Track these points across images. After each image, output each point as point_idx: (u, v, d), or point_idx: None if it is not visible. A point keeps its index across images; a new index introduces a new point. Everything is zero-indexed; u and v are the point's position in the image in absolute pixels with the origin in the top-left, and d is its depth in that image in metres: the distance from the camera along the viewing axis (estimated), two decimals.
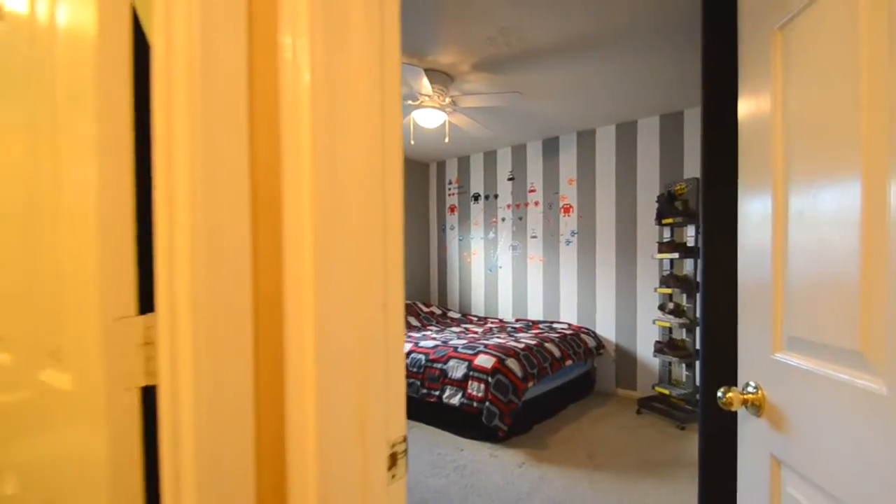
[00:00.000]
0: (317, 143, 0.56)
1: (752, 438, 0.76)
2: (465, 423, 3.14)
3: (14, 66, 0.74)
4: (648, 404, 3.52)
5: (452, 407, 3.14)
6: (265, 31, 0.59)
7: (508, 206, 4.80)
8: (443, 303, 5.47)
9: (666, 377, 3.58)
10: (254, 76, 0.60)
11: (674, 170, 3.70)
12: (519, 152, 4.71)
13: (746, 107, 0.87)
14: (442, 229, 5.48)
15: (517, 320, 4.61)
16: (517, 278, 4.76)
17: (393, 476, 0.63)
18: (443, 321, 4.76)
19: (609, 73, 2.92)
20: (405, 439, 0.65)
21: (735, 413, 0.77)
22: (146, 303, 0.58)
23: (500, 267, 4.90)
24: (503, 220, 4.85)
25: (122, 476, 0.57)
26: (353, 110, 0.60)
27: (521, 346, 3.38)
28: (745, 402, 0.72)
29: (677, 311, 3.41)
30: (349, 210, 0.59)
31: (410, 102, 3.09)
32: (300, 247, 0.57)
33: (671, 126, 3.72)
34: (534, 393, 3.30)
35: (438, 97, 2.95)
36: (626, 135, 3.97)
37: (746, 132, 0.87)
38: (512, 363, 3.11)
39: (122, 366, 0.57)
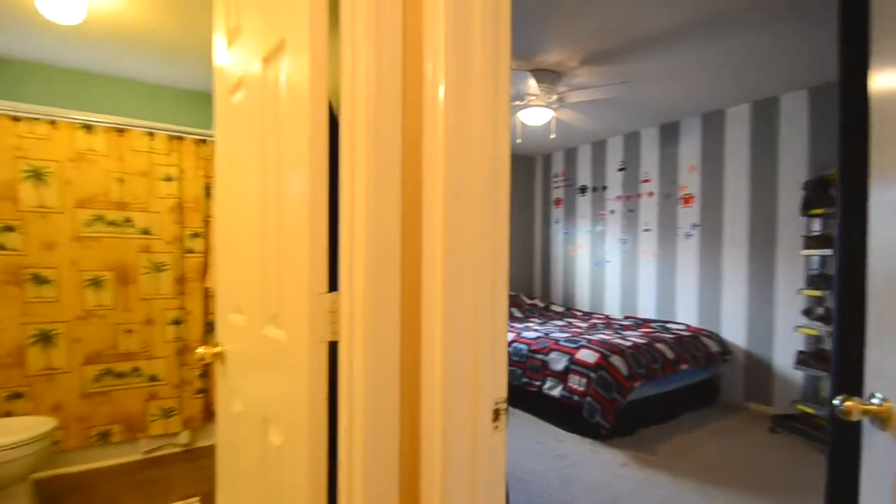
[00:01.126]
0: (448, 145, 0.72)
1: (873, 454, 0.72)
2: (565, 415, 3.16)
3: (251, 116, 1.04)
4: (786, 423, 3.08)
5: (552, 398, 3.18)
6: (414, 61, 0.76)
7: (618, 197, 4.60)
8: (546, 296, 5.46)
9: (811, 394, 3.07)
10: (405, 100, 0.77)
11: (827, 152, 3.14)
12: (631, 141, 4.47)
13: (883, 79, 0.76)
14: (546, 223, 5.44)
15: (626, 317, 4.43)
16: (627, 274, 4.55)
17: (496, 427, 0.79)
18: (545, 314, 4.77)
19: (737, 50, 2.63)
20: (506, 400, 0.81)
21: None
22: (332, 284, 0.82)
23: (608, 261, 4.72)
24: (612, 212, 4.66)
25: (315, 400, 0.81)
26: (473, 118, 0.75)
27: (629, 343, 3.27)
28: (866, 413, 0.69)
29: (827, 318, 2.91)
30: (468, 204, 0.76)
31: (517, 103, 3.14)
32: (433, 239, 0.75)
33: (822, 101, 3.17)
34: (641, 394, 3.18)
35: (545, 95, 2.96)
36: (765, 113, 3.50)
37: (881, 108, 0.76)
38: (617, 361, 3.04)
39: (318, 326, 0.80)
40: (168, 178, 2.64)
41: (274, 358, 0.95)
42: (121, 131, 2.53)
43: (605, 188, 4.74)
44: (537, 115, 3.12)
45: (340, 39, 0.78)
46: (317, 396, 0.82)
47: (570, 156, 5.11)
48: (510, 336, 3.64)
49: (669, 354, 3.31)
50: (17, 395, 2.33)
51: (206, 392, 2.79)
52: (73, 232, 2.42)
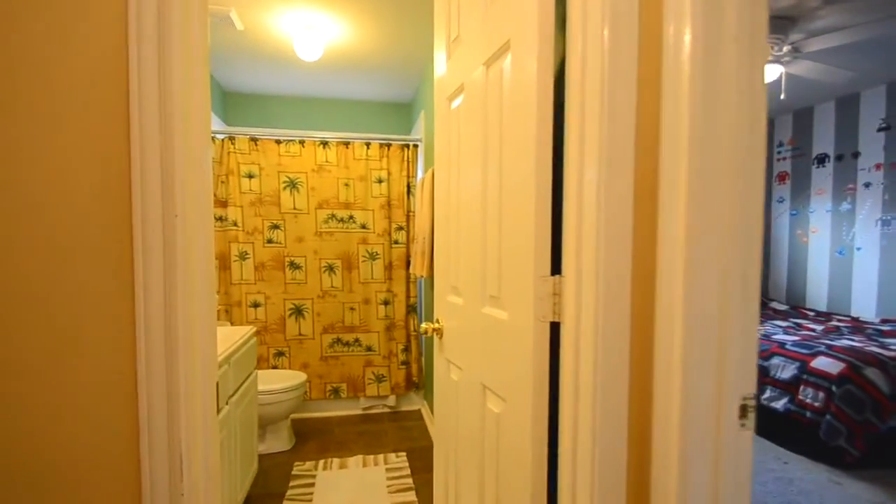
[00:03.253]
0: (693, 121, 0.66)
1: None
2: (790, 432, 2.63)
3: (471, 116, 1.16)
4: None
5: (773, 411, 2.68)
6: (651, 24, 0.73)
7: (878, 166, 3.55)
8: (764, 291, 4.59)
9: None
10: (640, 71, 0.75)
11: None
12: None
13: None
14: (767, 203, 4.56)
15: (883, 321, 3.44)
16: (887, 264, 3.52)
17: (743, 424, 0.72)
18: (763, 312, 4.02)
19: None
20: (755, 396, 0.73)
21: None
22: (553, 268, 0.86)
23: (858, 248, 3.71)
24: (866, 185, 3.63)
25: (538, 375, 0.86)
26: (723, 87, 0.68)
27: (891, 354, 2.54)
28: None
29: None
30: (715, 186, 0.69)
31: None
32: (672, 223, 0.71)
33: None
34: None
35: (773, 48, 2.48)
36: None
37: None
38: (873, 374, 2.39)
39: (541, 307, 0.85)
40: (379, 181, 3.10)
41: (494, 334, 1.04)
42: (346, 144, 3.06)
43: (856, 155, 3.72)
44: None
45: (568, 19, 0.80)
46: (540, 372, 0.87)
47: (803, 118, 4.15)
48: None
49: None
50: (281, 353, 3.05)
51: (408, 364, 3.20)
52: (315, 228, 3.04)
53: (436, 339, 1.44)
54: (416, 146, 3.15)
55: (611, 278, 0.76)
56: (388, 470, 2.39)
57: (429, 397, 3.07)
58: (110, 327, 0.66)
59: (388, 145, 3.11)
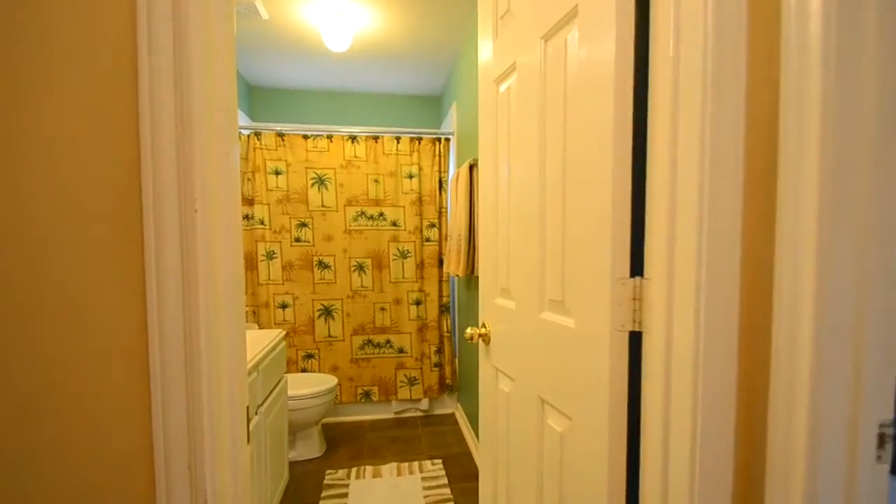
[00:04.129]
0: (827, 97, 0.51)
1: None
2: None
3: (525, 99, 1.02)
4: None
5: None
6: None
7: None
8: None
9: None
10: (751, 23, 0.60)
11: None
12: None
13: None
14: None
15: None
16: None
17: (879, 457, 0.59)
18: None
19: None
20: (893, 423, 0.60)
21: None
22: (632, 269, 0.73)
23: None
24: None
25: (616, 393, 0.73)
26: (865, 58, 0.52)
27: None
28: None
29: None
30: (855, 175, 0.55)
31: None
32: (800, 218, 0.59)
33: None
34: None
35: None
36: None
37: None
38: None
39: (619, 314, 0.71)
40: (410, 176, 2.98)
41: (555, 343, 0.90)
42: (376, 139, 2.95)
43: None
44: None
45: None
46: (617, 390, 0.74)
47: None
48: None
49: None
50: (310, 356, 2.98)
51: (441, 366, 3.08)
52: (343, 226, 2.95)
53: (481, 344, 1.31)
54: (447, 140, 3.02)
55: (715, 283, 0.62)
56: (423, 479, 2.28)
57: (463, 400, 2.95)
58: (114, 348, 0.55)
59: (419, 139, 2.99)
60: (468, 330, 1.25)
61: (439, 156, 3.00)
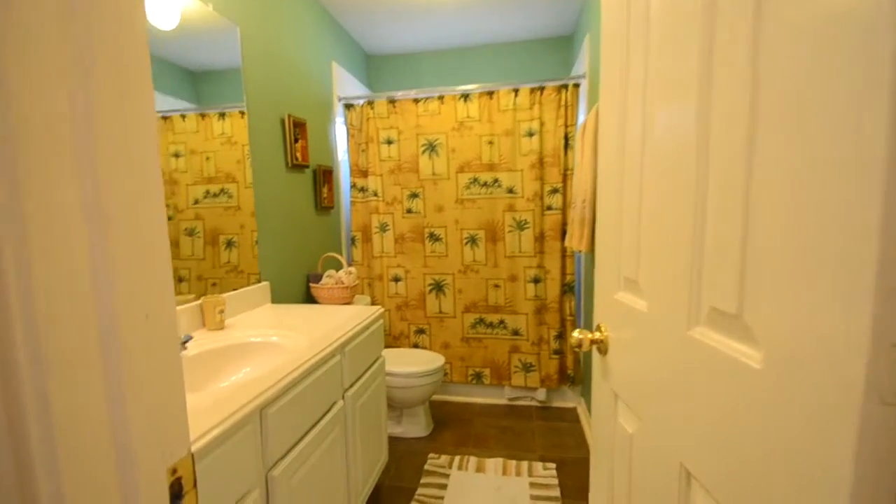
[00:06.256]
0: None
1: None
2: None
3: (681, 10, 0.58)
4: None
5: None
6: None
7: None
8: None
9: None
10: None
11: None
12: None
13: None
14: None
15: None
16: None
17: None
18: None
19: None
20: None
21: None
22: None
23: None
24: None
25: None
26: None
27: None
28: None
29: None
30: None
31: None
32: None
33: None
34: None
35: None
36: None
37: None
38: None
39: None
40: (530, 134, 2.57)
41: (718, 384, 0.50)
42: (490, 94, 2.60)
43: None
44: None
45: None
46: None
47: None
48: None
49: None
50: (421, 331, 2.86)
51: (562, 354, 2.69)
52: (455, 195, 2.71)
53: (595, 353, 0.93)
54: (576, 86, 2.51)
55: None
56: (532, 485, 1.98)
57: (587, 395, 2.53)
58: None
59: (541, 89, 2.53)
60: (575, 334, 0.88)
61: (565, 106, 2.51)
